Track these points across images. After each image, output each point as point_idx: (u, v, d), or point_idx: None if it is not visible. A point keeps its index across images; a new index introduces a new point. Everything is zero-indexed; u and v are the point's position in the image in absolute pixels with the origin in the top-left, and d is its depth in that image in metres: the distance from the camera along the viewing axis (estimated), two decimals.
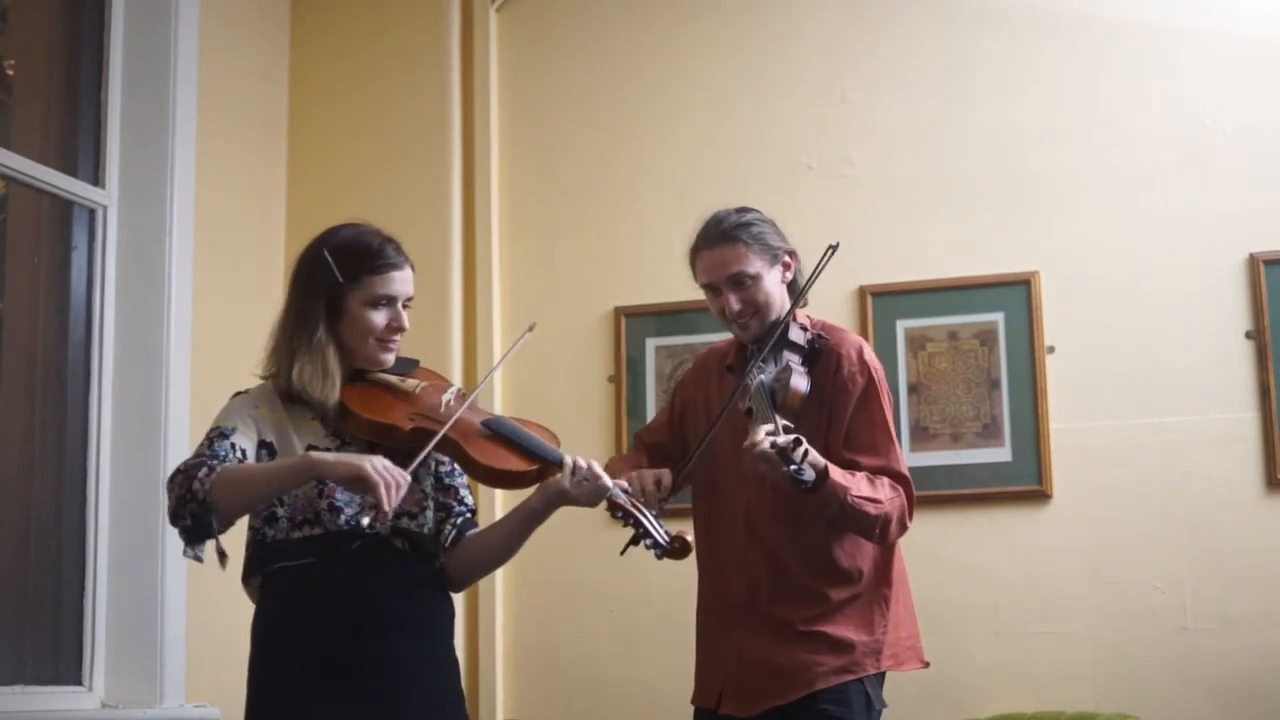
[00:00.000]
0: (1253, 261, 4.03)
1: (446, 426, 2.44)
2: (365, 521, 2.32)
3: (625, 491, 2.50)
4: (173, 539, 2.50)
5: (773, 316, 2.89)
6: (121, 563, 3.83)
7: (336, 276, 2.50)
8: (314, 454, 2.38)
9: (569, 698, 4.33)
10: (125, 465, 3.88)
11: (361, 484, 2.27)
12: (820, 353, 2.87)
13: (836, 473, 2.70)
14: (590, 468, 2.48)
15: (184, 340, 4.01)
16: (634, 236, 4.53)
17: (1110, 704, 3.90)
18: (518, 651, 4.40)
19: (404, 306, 2.56)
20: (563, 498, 2.48)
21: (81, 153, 4.02)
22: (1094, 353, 4.12)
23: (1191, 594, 3.95)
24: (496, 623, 4.38)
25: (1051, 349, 4.14)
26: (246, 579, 2.53)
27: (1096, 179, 4.20)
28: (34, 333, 3.91)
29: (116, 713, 3.74)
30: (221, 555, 2.36)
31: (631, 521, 2.48)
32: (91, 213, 4.00)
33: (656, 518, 2.48)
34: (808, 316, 2.98)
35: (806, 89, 4.47)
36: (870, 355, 2.91)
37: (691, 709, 3.01)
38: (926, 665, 2.97)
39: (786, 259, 2.92)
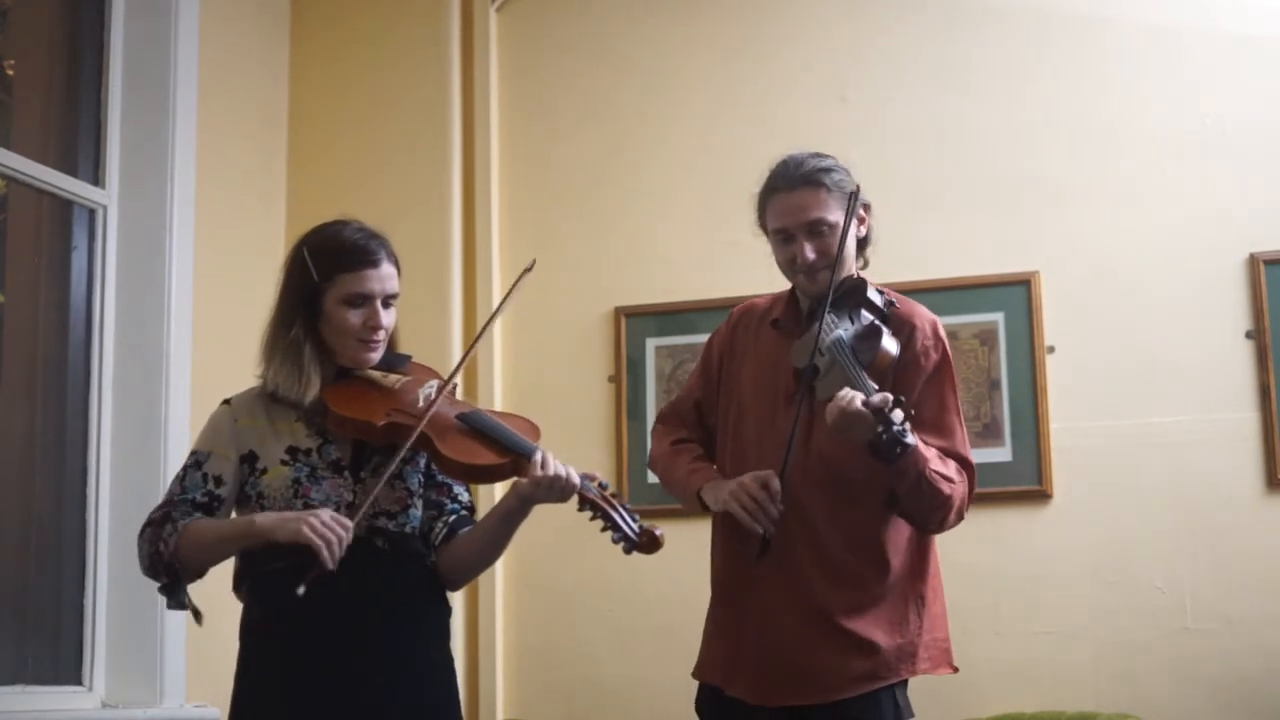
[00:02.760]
0: (1253, 261, 4.03)
1: (422, 424, 2.41)
2: (300, 591, 2.28)
3: (601, 486, 2.44)
4: None
5: (845, 270, 2.69)
6: (121, 563, 3.82)
7: (313, 275, 2.49)
8: (259, 519, 2.39)
9: (569, 699, 4.33)
10: (125, 465, 3.88)
11: (303, 546, 2.27)
12: (891, 319, 2.67)
13: (918, 442, 2.51)
14: (555, 467, 2.40)
15: (184, 340, 4.02)
16: (634, 236, 4.53)
17: (1110, 704, 3.90)
18: (518, 652, 4.40)
19: (386, 304, 2.52)
20: (531, 497, 2.44)
21: (81, 153, 4.02)
22: (1094, 353, 4.12)
23: (1191, 594, 3.95)
24: (497, 624, 4.38)
25: (1051, 349, 4.14)
26: (236, 587, 2.54)
27: (1096, 179, 4.20)
28: (34, 333, 3.91)
29: (116, 713, 3.74)
30: (196, 614, 2.48)
31: (600, 514, 2.42)
32: (91, 213, 4.00)
33: (627, 511, 2.42)
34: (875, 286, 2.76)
35: (806, 89, 4.47)
36: (943, 331, 2.74)
37: (687, 696, 2.87)
38: (956, 670, 2.77)
39: (862, 212, 2.74)
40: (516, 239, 4.62)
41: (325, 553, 2.26)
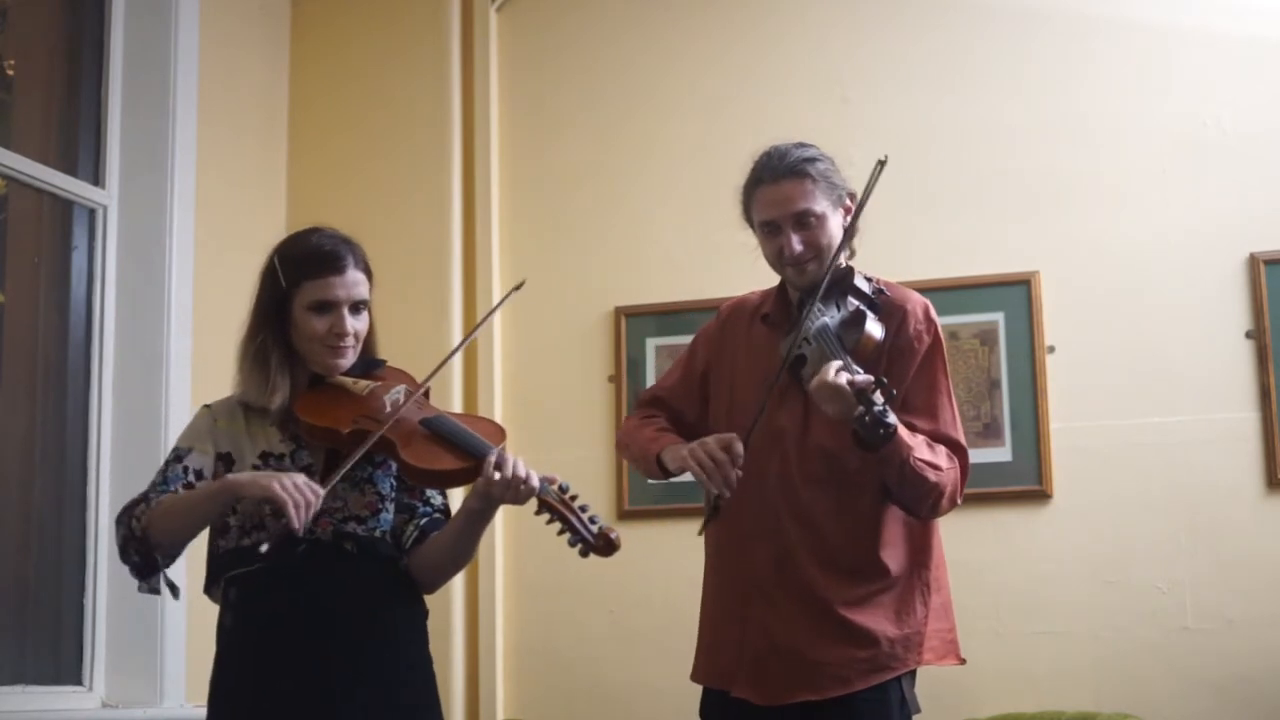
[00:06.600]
0: (1253, 261, 4.03)
1: (383, 429, 2.42)
2: (264, 550, 2.33)
3: (561, 489, 2.44)
4: None
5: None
6: (121, 563, 3.83)
7: (281, 282, 2.52)
8: (230, 476, 2.43)
9: (569, 699, 4.33)
10: (125, 465, 3.88)
11: (271, 502, 2.30)
12: (881, 306, 2.67)
13: (902, 430, 2.50)
14: (514, 468, 2.41)
15: (184, 340, 4.02)
16: (634, 236, 4.53)
17: (1110, 704, 3.90)
18: (518, 653, 4.40)
19: (355, 311, 2.52)
20: (489, 498, 2.44)
21: (81, 153, 4.02)
22: (1094, 353, 4.12)
23: (1192, 594, 3.95)
24: (497, 624, 4.38)
25: (1051, 349, 4.14)
26: (207, 590, 2.56)
27: (1096, 179, 4.20)
28: (34, 333, 3.92)
29: (116, 713, 3.74)
30: (172, 588, 2.48)
31: (557, 517, 2.42)
32: (91, 213, 4.00)
33: (585, 514, 2.42)
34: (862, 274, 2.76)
35: (806, 89, 4.46)
36: (935, 314, 2.74)
37: (687, 697, 2.87)
38: (963, 662, 2.76)
39: (848, 202, 2.74)
40: (516, 238, 4.62)
41: (291, 509, 2.27)
